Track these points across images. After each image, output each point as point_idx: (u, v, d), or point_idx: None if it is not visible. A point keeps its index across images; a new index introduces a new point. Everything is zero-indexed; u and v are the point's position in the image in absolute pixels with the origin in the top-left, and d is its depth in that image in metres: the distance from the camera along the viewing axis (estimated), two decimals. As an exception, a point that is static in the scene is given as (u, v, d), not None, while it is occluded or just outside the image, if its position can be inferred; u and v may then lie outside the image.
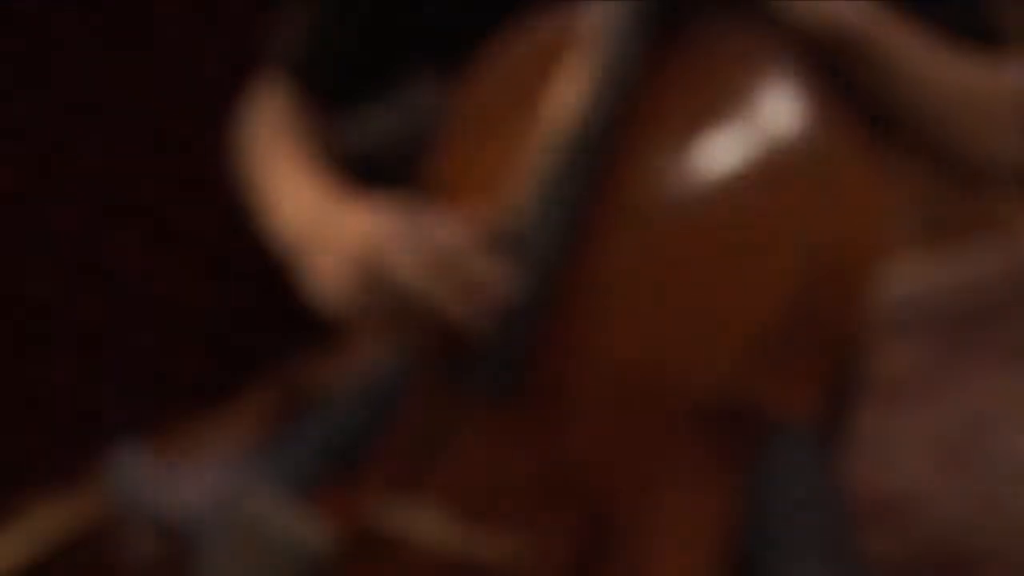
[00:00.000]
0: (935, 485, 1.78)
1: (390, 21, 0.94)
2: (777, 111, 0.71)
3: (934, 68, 0.78)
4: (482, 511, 0.71)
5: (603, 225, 0.71)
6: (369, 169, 0.93)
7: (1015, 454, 1.85)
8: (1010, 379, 2.04)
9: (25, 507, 1.60)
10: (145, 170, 1.57)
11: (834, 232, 0.69)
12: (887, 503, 1.74)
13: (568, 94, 0.73)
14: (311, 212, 0.80)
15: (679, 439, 0.69)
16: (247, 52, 1.02)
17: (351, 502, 0.70)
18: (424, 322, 0.67)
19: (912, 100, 0.76)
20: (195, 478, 0.95)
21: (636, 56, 0.72)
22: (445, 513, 0.70)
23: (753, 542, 0.77)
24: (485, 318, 0.68)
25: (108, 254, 1.57)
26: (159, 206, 1.60)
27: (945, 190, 1.07)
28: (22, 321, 1.49)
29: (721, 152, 0.70)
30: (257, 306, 1.78)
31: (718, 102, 0.73)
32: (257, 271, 1.73)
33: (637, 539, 0.69)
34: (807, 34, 0.71)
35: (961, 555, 1.63)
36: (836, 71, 0.72)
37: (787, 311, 0.68)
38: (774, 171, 0.69)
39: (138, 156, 1.56)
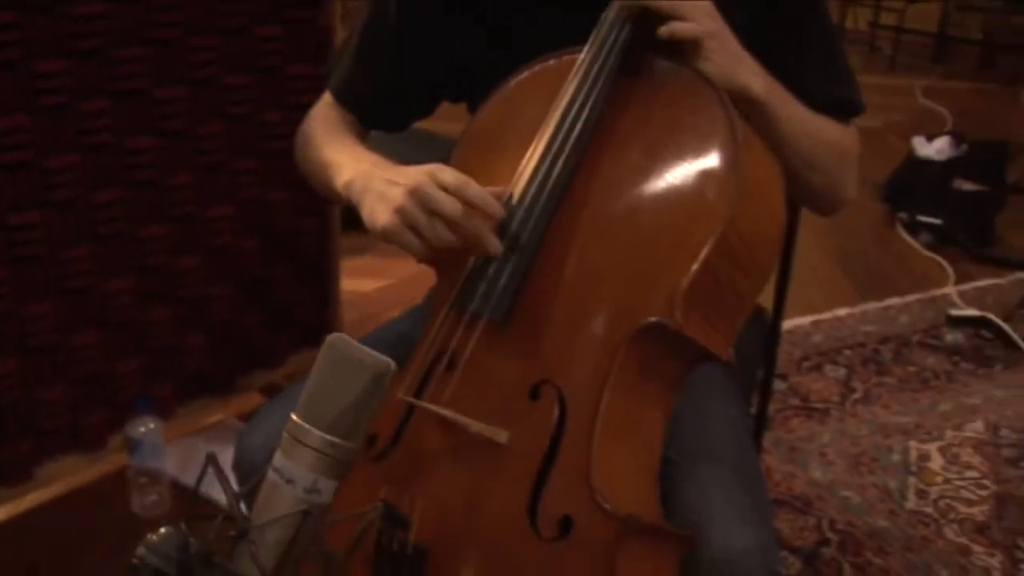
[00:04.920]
0: (845, 480, 2.07)
1: (414, 61, 1.22)
2: (706, 129, 0.99)
3: (803, 122, 1.09)
4: (483, 404, 0.97)
5: (579, 200, 0.99)
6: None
7: (907, 456, 2.17)
8: (908, 401, 2.38)
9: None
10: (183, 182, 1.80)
11: (745, 214, 0.96)
12: (808, 494, 2.02)
13: (556, 114, 1.01)
14: (369, 167, 1.05)
15: (629, 356, 0.95)
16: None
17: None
18: (446, 235, 0.94)
19: (788, 143, 1.06)
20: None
21: (607, 85, 1.01)
22: (459, 402, 0.97)
23: (675, 447, 1.03)
24: (487, 233, 0.95)
25: (144, 254, 1.79)
26: (187, 214, 1.83)
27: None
28: (62, 306, 1.70)
29: (667, 154, 0.99)
30: (261, 305, 2.01)
31: (666, 120, 1.01)
32: (264, 277, 1.97)
33: (591, 436, 0.94)
34: (726, 90, 1.00)
35: (860, 533, 1.91)
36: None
37: (711, 269, 0.94)
38: (706, 168, 0.97)
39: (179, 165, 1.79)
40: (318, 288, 2.07)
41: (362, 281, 2.78)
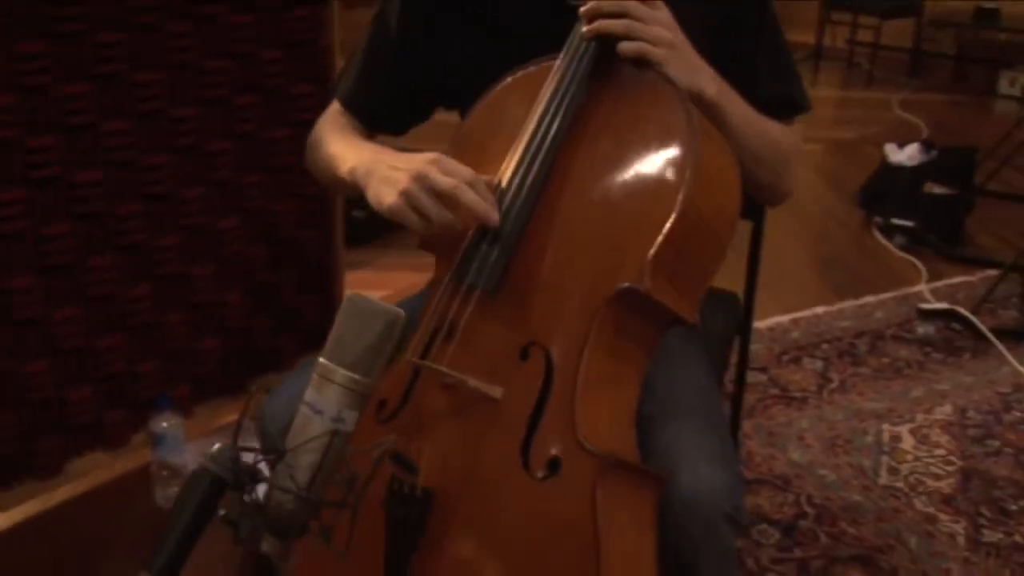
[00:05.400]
0: (822, 461, 2.21)
1: (411, 73, 1.36)
2: (667, 122, 1.14)
3: (750, 123, 1.23)
4: (479, 365, 1.10)
5: (558, 186, 1.13)
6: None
7: (880, 437, 2.30)
8: (881, 389, 2.52)
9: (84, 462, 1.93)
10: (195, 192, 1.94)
11: (703, 194, 1.10)
12: (787, 473, 2.16)
13: (536, 113, 1.16)
14: (373, 154, 1.20)
15: (606, 319, 1.09)
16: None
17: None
18: (447, 214, 1.07)
19: (737, 140, 1.20)
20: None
21: (581, 87, 1.15)
22: (458, 364, 1.10)
23: (649, 405, 1.17)
24: (485, 207, 1.08)
25: (161, 262, 1.93)
26: (203, 222, 1.98)
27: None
28: (87, 311, 1.84)
29: (633, 144, 1.13)
30: (269, 311, 2.15)
31: (632, 116, 1.16)
32: (272, 283, 2.11)
33: (575, 390, 1.07)
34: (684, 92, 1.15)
35: (835, 506, 2.04)
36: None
37: (674, 241, 1.08)
38: (667, 155, 1.11)
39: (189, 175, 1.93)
40: (322, 295, 2.21)
41: (363, 292, 2.91)
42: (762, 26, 1.33)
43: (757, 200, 1.41)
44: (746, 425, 2.31)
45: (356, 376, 0.85)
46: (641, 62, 1.15)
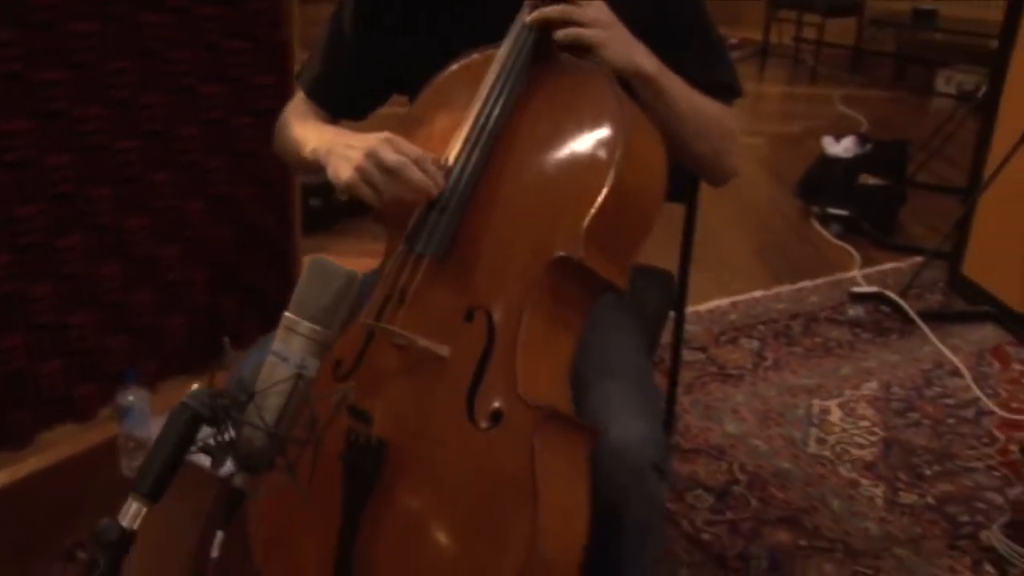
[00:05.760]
0: (756, 433, 2.35)
1: (367, 65, 1.48)
2: (598, 106, 1.26)
3: (689, 98, 1.36)
4: (428, 326, 1.22)
5: (500, 164, 1.25)
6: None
7: (810, 411, 2.46)
8: (813, 367, 2.68)
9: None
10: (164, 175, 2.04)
11: (631, 170, 1.22)
12: (722, 444, 2.30)
13: (480, 96, 1.28)
14: (332, 135, 1.31)
15: (544, 285, 1.21)
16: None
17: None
18: (396, 188, 1.19)
19: (677, 114, 1.33)
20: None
21: (522, 74, 1.28)
22: (408, 325, 1.22)
23: (584, 366, 1.29)
24: (428, 183, 1.20)
25: (130, 243, 2.03)
26: (170, 205, 2.07)
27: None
28: (59, 288, 1.93)
29: (569, 126, 1.26)
30: (232, 290, 2.25)
31: (568, 100, 1.28)
32: (241, 260, 2.21)
33: (515, 349, 1.19)
34: (623, 71, 1.27)
35: (766, 473, 2.19)
36: (632, 91, 1.28)
37: (605, 213, 1.20)
38: (598, 135, 1.24)
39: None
40: (283, 276, 2.32)
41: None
42: (694, 18, 1.45)
43: (703, 178, 1.53)
44: (684, 400, 2.46)
45: (318, 328, 0.97)
46: (578, 48, 1.28)
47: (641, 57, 1.30)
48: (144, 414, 2.05)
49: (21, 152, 1.79)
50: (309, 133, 1.38)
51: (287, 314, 0.98)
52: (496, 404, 1.17)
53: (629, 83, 1.30)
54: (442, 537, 1.16)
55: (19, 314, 1.88)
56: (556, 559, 1.14)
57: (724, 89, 1.45)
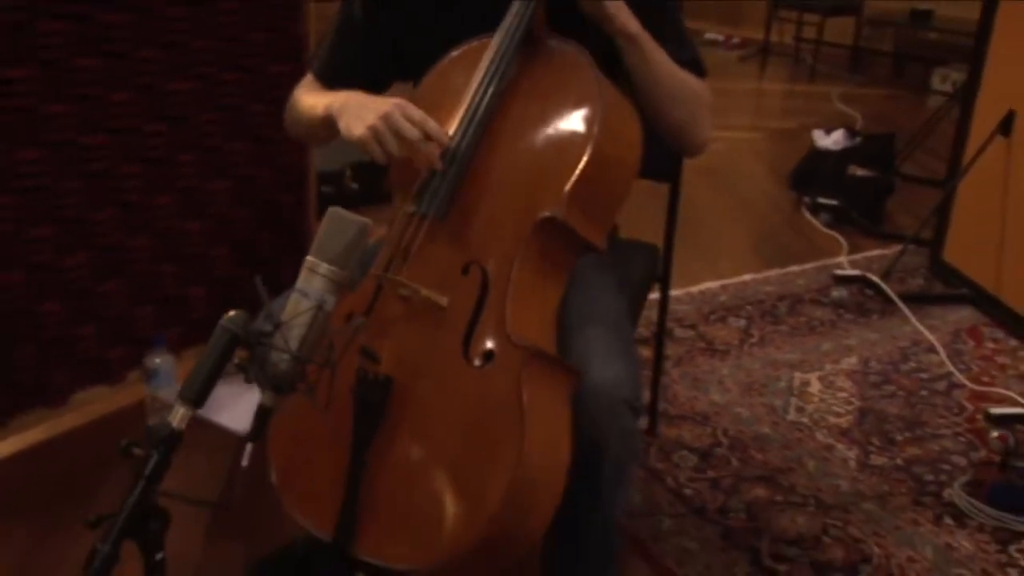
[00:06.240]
0: (739, 401, 2.51)
1: (374, 52, 1.65)
2: (581, 85, 1.42)
3: (667, 64, 1.51)
4: (429, 279, 1.38)
5: (495, 136, 1.42)
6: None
7: (791, 383, 2.61)
8: (796, 343, 2.84)
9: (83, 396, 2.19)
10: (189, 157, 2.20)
11: (608, 141, 1.38)
12: (707, 411, 2.45)
13: (477, 79, 1.44)
14: (347, 96, 1.46)
15: (531, 242, 1.37)
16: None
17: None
18: (402, 151, 1.35)
19: (656, 78, 1.49)
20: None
21: (513, 58, 1.44)
22: (412, 278, 1.38)
23: (568, 317, 1.45)
24: (433, 153, 1.36)
25: (157, 218, 2.20)
26: (194, 185, 2.24)
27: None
28: (94, 258, 2.09)
29: (555, 103, 1.42)
30: (249, 264, 2.42)
31: (555, 81, 1.45)
32: (259, 237, 2.37)
33: (505, 298, 1.36)
34: (613, 28, 1.43)
35: (747, 437, 2.35)
36: (620, 55, 1.44)
37: (585, 179, 1.36)
38: (580, 111, 1.40)
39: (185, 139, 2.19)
40: (295, 251, 2.48)
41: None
42: (663, 5, 1.60)
43: (679, 148, 1.65)
44: (673, 373, 2.61)
45: (335, 269, 1.13)
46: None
47: (626, 16, 1.45)
48: (170, 376, 2.22)
49: (61, 133, 1.96)
50: (323, 98, 1.53)
51: (309, 257, 1.14)
52: (488, 345, 1.33)
53: (616, 50, 1.45)
54: (440, 461, 1.32)
55: (57, 282, 2.04)
56: (540, 479, 1.29)
57: (693, 64, 1.58)
